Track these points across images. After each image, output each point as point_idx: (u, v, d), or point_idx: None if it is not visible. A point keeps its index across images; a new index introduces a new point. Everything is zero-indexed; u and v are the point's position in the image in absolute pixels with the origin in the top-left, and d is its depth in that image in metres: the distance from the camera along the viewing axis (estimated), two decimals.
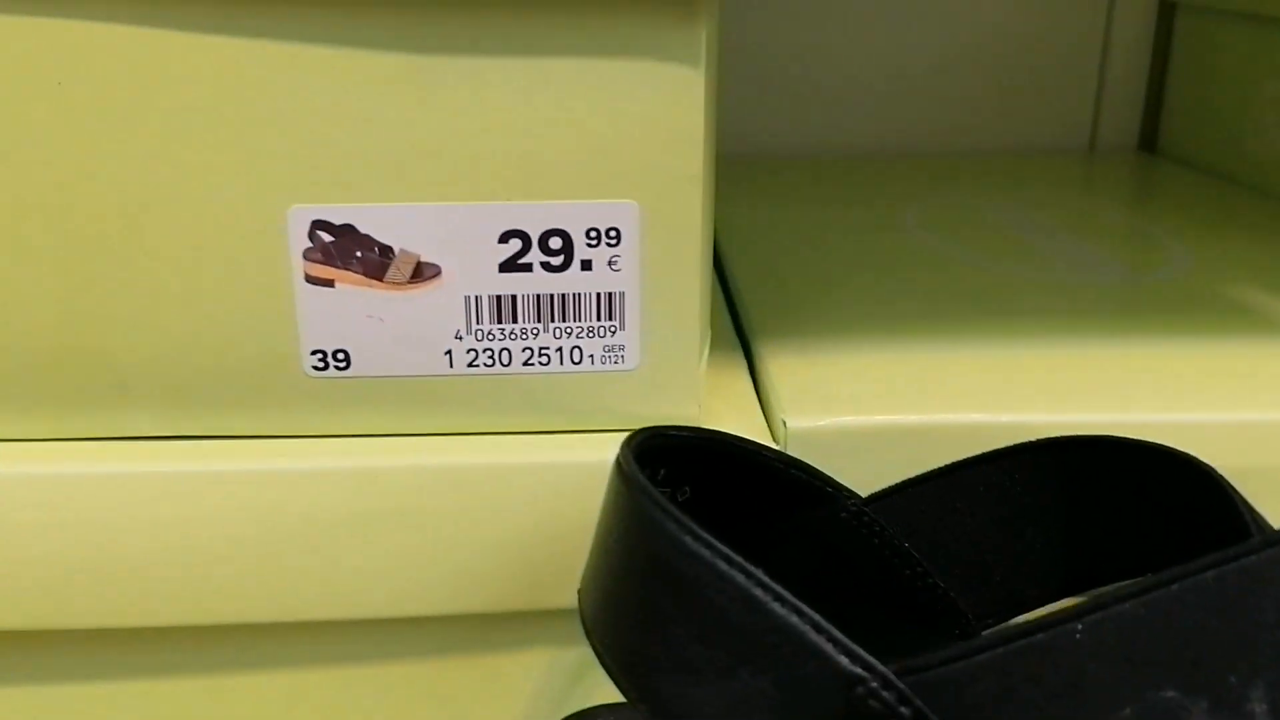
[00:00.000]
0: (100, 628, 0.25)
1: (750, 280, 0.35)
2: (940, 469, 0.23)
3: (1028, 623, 0.17)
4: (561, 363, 0.25)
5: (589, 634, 0.20)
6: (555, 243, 0.24)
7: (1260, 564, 0.16)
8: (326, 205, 0.23)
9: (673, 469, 0.23)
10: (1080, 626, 0.17)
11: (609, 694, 0.26)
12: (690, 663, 0.17)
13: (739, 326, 0.33)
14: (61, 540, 0.24)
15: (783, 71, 0.56)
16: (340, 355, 0.24)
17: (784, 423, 0.25)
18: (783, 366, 0.28)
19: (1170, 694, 0.16)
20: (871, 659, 0.16)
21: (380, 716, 0.28)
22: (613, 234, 0.24)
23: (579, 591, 0.21)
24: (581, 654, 0.27)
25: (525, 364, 0.25)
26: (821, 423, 0.25)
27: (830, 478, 0.23)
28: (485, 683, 0.28)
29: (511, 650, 0.27)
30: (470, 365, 0.24)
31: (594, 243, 0.24)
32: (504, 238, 0.24)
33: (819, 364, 0.28)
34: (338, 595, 0.25)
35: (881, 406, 0.26)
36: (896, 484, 0.24)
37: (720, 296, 0.35)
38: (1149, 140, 0.59)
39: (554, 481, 0.25)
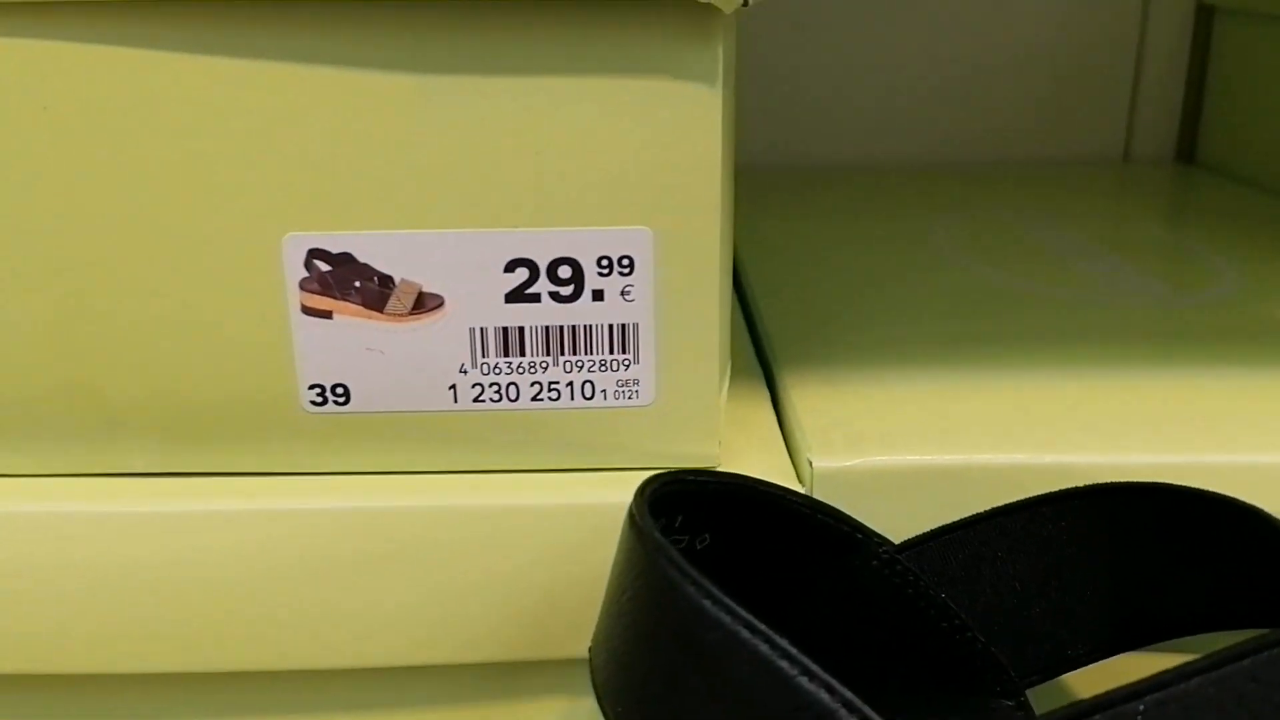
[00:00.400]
0: (87, 674, 0.25)
1: (772, 303, 0.34)
2: (979, 515, 0.22)
3: (1084, 701, 0.15)
4: (572, 398, 0.23)
5: (600, 699, 0.18)
6: (565, 272, 0.22)
7: None
8: (324, 233, 0.22)
9: (691, 515, 0.21)
10: (1143, 706, 0.15)
11: None
12: None
13: (760, 353, 0.31)
14: (48, 581, 0.23)
15: (808, 81, 0.55)
16: (339, 390, 0.23)
17: (810, 463, 0.24)
18: (808, 400, 0.26)
19: None
20: None
21: None
22: (625, 262, 0.22)
23: (589, 650, 0.19)
24: (595, 707, 0.26)
25: (534, 399, 0.23)
26: (850, 463, 0.24)
27: (860, 523, 0.22)
28: None
29: (520, 702, 0.26)
30: (476, 400, 0.23)
31: (606, 271, 0.22)
32: (510, 266, 0.22)
33: (847, 397, 0.27)
34: (335, 643, 0.24)
35: (915, 445, 0.24)
36: (932, 530, 0.22)
37: (740, 320, 0.34)
38: (1186, 150, 0.57)
39: (565, 523, 0.23)
